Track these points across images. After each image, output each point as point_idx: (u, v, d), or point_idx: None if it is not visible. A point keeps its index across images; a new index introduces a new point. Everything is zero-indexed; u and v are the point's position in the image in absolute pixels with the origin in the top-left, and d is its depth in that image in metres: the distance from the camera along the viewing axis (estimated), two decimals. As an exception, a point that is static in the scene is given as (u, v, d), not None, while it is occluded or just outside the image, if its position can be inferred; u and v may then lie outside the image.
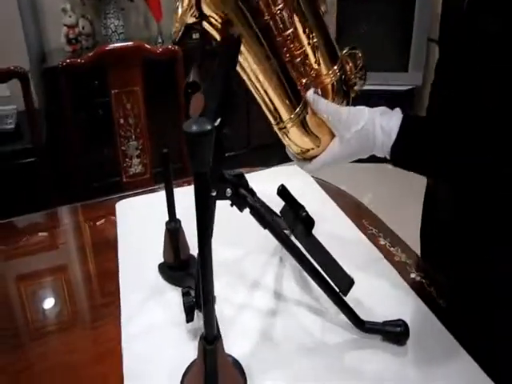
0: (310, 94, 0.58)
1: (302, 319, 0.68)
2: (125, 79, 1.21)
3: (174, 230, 0.75)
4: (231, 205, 0.60)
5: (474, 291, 0.65)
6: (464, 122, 0.56)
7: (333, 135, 0.60)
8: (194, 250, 0.78)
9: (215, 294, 0.63)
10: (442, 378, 0.59)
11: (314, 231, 0.64)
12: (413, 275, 0.75)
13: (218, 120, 0.48)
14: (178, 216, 0.75)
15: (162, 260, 0.78)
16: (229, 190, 0.57)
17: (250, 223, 0.61)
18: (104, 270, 0.83)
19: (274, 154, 0.64)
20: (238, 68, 0.55)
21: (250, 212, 0.59)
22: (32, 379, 0.63)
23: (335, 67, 0.59)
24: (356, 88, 0.62)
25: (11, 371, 0.64)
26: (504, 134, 0.52)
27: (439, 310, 0.68)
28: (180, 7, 0.50)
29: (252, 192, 0.59)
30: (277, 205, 0.71)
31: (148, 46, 1.20)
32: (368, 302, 0.69)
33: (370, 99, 2.49)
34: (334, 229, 0.86)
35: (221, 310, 0.69)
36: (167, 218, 0.75)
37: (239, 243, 0.82)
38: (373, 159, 0.61)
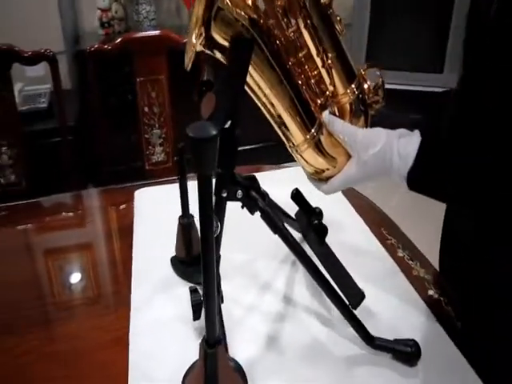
0: (325, 114, 0.57)
1: (310, 327, 0.66)
2: (150, 67, 1.20)
3: (186, 225, 0.74)
4: (242, 207, 0.58)
5: (492, 314, 0.61)
6: (489, 145, 0.52)
7: (349, 156, 0.58)
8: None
9: (224, 293, 0.64)
10: (453, 406, 0.56)
11: (329, 235, 0.62)
12: (430, 292, 0.72)
13: (229, 122, 0.46)
14: (192, 210, 0.74)
15: (174, 254, 0.78)
16: (240, 192, 0.55)
17: (264, 225, 0.59)
18: (118, 258, 0.84)
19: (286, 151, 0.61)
20: (250, 92, 0.54)
21: (261, 216, 0.57)
22: (36, 362, 0.63)
23: (352, 86, 0.58)
24: (376, 106, 0.61)
25: (16, 353, 0.64)
26: None
27: (455, 332, 0.64)
28: (192, 36, 0.49)
29: (263, 195, 0.57)
30: (293, 207, 0.68)
31: (174, 35, 1.19)
32: (380, 316, 0.66)
33: (402, 100, 2.41)
34: (349, 235, 0.83)
35: (229, 310, 0.68)
36: (182, 212, 0.74)
37: (253, 245, 0.80)
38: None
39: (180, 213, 0.74)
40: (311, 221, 0.59)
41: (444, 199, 0.59)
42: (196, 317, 0.61)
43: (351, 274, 0.63)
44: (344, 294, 0.59)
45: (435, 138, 0.56)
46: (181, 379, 0.58)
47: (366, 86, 0.59)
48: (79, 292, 0.77)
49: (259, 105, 0.56)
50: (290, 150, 0.59)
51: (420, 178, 0.54)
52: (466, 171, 0.53)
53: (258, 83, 0.53)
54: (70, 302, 0.75)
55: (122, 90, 1.83)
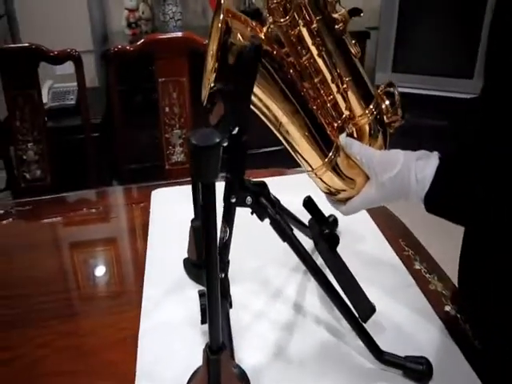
0: (342, 137, 0.57)
1: (319, 338, 0.64)
2: (172, 69, 1.21)
3: (198, 228, 0.74)
4: (251, 213, 0.57)
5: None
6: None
7: (367, 177, 0.58)
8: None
9: (234, 298, 0.63)
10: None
11: (343, 244, 0.60)
12: (447, 308, 0.69)
13: (237, 128, 0.45)
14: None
15: (187, 256, 0.78)
16: (249, 198, 0.54)
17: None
18: (134, 257, 0.85)
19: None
20: (266, 120, 0.54)
21: (270, 223, 0.56)
22: (49, 356, 0.64)
23: (370, 106, 0.57)
24: (395, 125, 0.60)
25: (33, 345, 0.65)
26: None
27: (471, 352, 0.61)
28: (208, 71, 0.49)
29: (273, 202, 0.56)
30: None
31: (196, 37, 1.19)
32: (392, 331, 0.64)
33: (430, 106, 2.34)
34: (365, 245, 0.81)
35: (238, 315, 0.67)
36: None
37: (265, 251, 0.79)
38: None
39: (193, 215, 0.74)
40: (322, 230, 0.57)
41: (462, 224, 0.58)
42: (204, 320, 0.61)
43: (364, 285, 0.61)
44: (354, 307, 0.58)
45: (454, 161, 0.55)
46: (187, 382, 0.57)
47: (383, 106, 0.59)
48: (94, 289, 0.78)
49: (275, 132, 0.56)
50: (307, 174, 0.59)
51: (437, 202, 0.53)
52: (486, 197, 0.51)
53: (274, 113, 0.53)
54: (85, 298, 0.76)
55: (145, 89, 1.85)
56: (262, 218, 0.56)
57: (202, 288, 0.62)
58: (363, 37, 2.11)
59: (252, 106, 0.53)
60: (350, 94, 0.57)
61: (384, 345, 0.59)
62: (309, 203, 0.61)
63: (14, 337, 0.67)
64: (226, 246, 0.59)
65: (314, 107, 0.56)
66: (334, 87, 0.56)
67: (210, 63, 0.48)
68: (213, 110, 0.51)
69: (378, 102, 0.59)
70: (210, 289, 0.44)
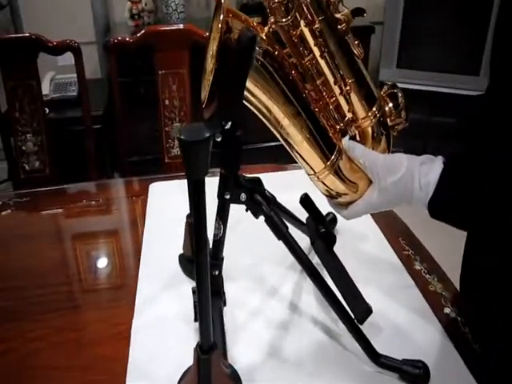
0: (345, 141, 0.56)
1: (314, 338, 0.63)
2: (172, 61, 1.20)
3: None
4: (246, 210, 0.56)
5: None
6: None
7: (370, 181, 0.57)
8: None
9: (229, 296, 0.62)
10: None
11: (342, 242, 0.59)
12: (447, 310, 0.67)
13: (229, 123, 0.44)
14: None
15: (182, 251, 0.77)
16: (243, 195, 0.53)
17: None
18: (130, 251, 0.84)
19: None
20: (267, 122, 0.53)
21: (265, 221, 0.54)
22: (43, 350, 0.63)
23: (373, 109, 0.56)
24: (399, 128, 0.59)
25: (27, 339, 0.65)
26: None
27: (471, 357, 0.59)
28: (208, 72, 0.48)
29: (269, 199, 0.54)
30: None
31: (197, 30, 1.17)
32: (389, 332, 0.62)
33: (435, 102, 2.30)
34: (363, 243, 0.79)
35: (232, 313, 0.66)
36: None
37: (261, 248, 0.78)
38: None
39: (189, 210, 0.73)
40: (319, 228, 0.56)
41: (466, 229, 0.57)
42: (197, 318, 0.60)
43: (362, 285, 0.60)
44: (350, 308, 0.56)
45: (459, 165, 0.53)
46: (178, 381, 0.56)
47: (387, 109, 0.58)
48: (91, 282, 0.78)
49: (276, 134, 0.55)
50: (309, 177, 0.58)
51: (441, 208, 0.52)
52: (493, 196, 0.50)
53: (275, 115, 0.52)
54: (82, 291, 0.76)
55: (146, 81, 1.83)
56: (256, 216, 0.55)
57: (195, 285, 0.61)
58: (368, 32, 2.08)
59: (252, 108, 0.52)
60: (352, 95, 0.56)
61: (381, 346, 0.58)
62: (306, 201, 0.60)
63: (8, 329, 0.66)
64: (219, 242, 0.58)
65: (316, 109, 0.55)
66: (336, 89, 0.55)
67: (210, 64, 0.47)
68: (209, 106, 0.49)
69: (382, 105, 0.58)
70: (200, 288, 0.43)
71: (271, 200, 0.55)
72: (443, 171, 0.52)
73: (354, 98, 0.56)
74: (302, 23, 0.52)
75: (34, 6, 2.15)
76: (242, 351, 0.61)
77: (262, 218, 0.57)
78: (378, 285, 0.70)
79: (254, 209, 0.54)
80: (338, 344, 0.62)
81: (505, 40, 0.53)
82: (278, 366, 0.60)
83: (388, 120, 0.58)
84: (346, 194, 0.58)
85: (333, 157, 0.55)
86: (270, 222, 0.54)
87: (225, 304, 0.63)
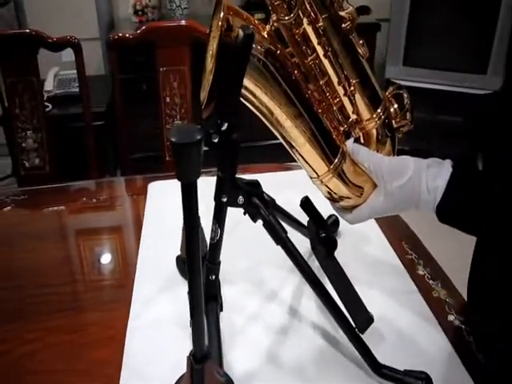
0: (349, 143, 0.54)
1: (314, 344, 0.61)
2: (173, 58, 1.18)
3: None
4: (244, 213, 0.54)
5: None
6: None
7: (375, 184, 0.55)
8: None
9: (227, 300, 0.60)
10: None
11: (343, 245, 0.57)
12: (451, 318, 0.65)
13: (226, 125, 0.42)
14: (199, 209, 0.71)
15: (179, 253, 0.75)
16: (241, 198, 0.51)
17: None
18: (128, 251, 0.83)
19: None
20: (268, 124, 0.52)
21: (263, 225, 0.53)
22: (38, 352, 0.62)
23: (378, 110, 0.54)
24: (404, 130, 0.57)
25: (24, 340, 0.64)
26: None
27: (475, 367, 0.57)
28: (208, 72, 0.47)
29: (267, 202, 0.52)
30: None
31: (198, 26, 1.15)
32: (390, 341, 0.61)
33: (441, 101, 2.27)
34: (365, 246, 0.77)
35: (230, 318, 0.64)
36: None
37: (261, 251, 0.75)
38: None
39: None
40: (319, 233, 0.54)
41: (477, 234, 0.55)
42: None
43: (363, 289, 0.59)
44: (351, 316, 0.54)
45: (468, 169, 0.51)
46: (172, 385, 0.55)
47: (392, 110, 0.57)
48: (87, 283, 0.76)
49: (278, 136, 0.53)
50: (311, 180, 0.57)
51: (450, 213, 0.50)
52: (501, 204, 0.48)
53: (277, 116, 0.51)
54: (76, 294, 0.74)
55: (148, 78, 1.82)
56: (254, 220, 0.53)
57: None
58: (373, 29, 2.05)
59: (253, 108, 0.50)
60: (357, 96, 0.54)
61: (382, 354, 0.56)
62: (306, 204, 0.58)
63: (3, 331, 0.65)
64: (216, 246, 0.56)
65: (319, 110, 0.53)
66: (340, 89, 0.53)
67: (210, 64, 0.45)
68: (208, 106, 0.47)
69: (387, 106, 0.56)
70: (192, 296, 0.41)
71: (270, 203, 0.53)
72: (452, 175, 0.50)
73: (358, 98, 0.54)
74: (305, 21, 0.50)
75: (38, 2, 2.14)
76: (238, 357, 0.59)
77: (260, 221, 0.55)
78: (380, 289, 0.68)
79: (252, 212, 0.52)
80: (339, 351, 0.60)
81: None
82: (276, 373, 0.58)
83: (393, 122, 0.57)
84: (349, 198, 0.56)
85: (336, 160, 0.54)
86: (268, 226, 0.52)
87: (221, 309, 0.61)
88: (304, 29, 0.50)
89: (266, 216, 0.51)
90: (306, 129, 0.52)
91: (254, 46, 0.46)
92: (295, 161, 0.56)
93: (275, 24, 0.50)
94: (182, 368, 0.54)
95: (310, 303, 0.68)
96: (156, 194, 0.95)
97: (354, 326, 0.55)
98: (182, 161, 0.32)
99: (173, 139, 0.31)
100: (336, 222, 0.77)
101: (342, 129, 0.55)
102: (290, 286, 0.71)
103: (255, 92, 0.48)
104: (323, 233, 0.54)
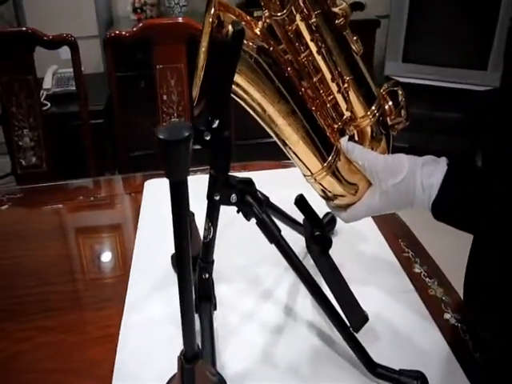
0: (343, 141, 0.54)
1: (309, 343, 0.61)
2: (170, 55, 1.17)
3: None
4: (238, 211, 0.53)
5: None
6: None
7: (369, 182, 0.55)
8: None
9: (222, 298, 0.59)
10: None
11: (338, 242, 0.57)
12: (447, 316, 0.64)
13: (217, 122, 0.41)
14: (193, 208, 0.70)
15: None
16: (234, 196, 0.50)
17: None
18: (123, 250, 0.82)
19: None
20: (261, 122, 0.51)
21: (256, 223, 0.52)
22: (29, 352, 0.62)
23: (373, 107, 0.54)
24: (398, 127, 0.57)
25: (14, 339, 0.63)
26: None
27: (471, 366, 0.57)
28: (200, 69, 0.46)
29: (260, 201, 0.52)
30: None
31: (195, 23, 1.14)
32: (386, 340, 0.60)
33: (441, 98, 2.25)
34: (361, 244, 0.77)
35: (224, 317, 0.64)
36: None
37: (256, 249, 0.75)
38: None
39: (185, 207, 0.71)
40: (313, 232, 0.54)
41: (473, 231, 0.54)
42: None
43: (359, 288, 0.58)
44: (345, 315, 0.54)
45: (463, 166, 0.51)
46: (165, 384, 0.55)
47: (387, 107, 0.56)
48: (80, 283, 0.76)
49: (271, 133, 0.53)
50: (305, 178, 0.56)
51: (446, 210, 0.50)
52: (501, 201, 0.47)
53: (270, 114, 0.50)
54: (71, 292, 0.74)
55: (146, 75, 1.82)
56: (248, 218, 0.53)
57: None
58: (373, 25, 2.04)
59: (246, 106, 0.50)
60: (351, 93, 0.53)
61: (377, 353, 0.56)
62: (301, 202, 0.57)
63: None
64: (209, 245, 0.56)
65: (313, 108, 0.53)
66: (334, 86, 0.53)
67: (202, 60, 0.45)
68: (200, 103, 0.47)
69: (381, 103, 0.55)
70: (182, 296, 0.41)
71: (263, 201, 0.52)
72: (447, 172, 0.50)
73: (352, 95, 0.53)
74: (298, 17, 0.50)
75: (37, 0, 2.13)
76: (232, 357, 0.59)
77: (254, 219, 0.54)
78: (376, 288, 0.68)
79: (245, 210, 0.52)
80: (334, 350, 0.60)
81: None
82: (270, 372, 0.57)
83: (388, 119, 0.56)
84: (344, 196, 0.56)
85: (330, 157, 0.53)
86: (261, 224, 0.52)
87: (215, 308, 0.61)
88: (297, 25, 0.50)
89: (259, 214, 0.50)
90: (299, 126, 0.51)
91: (246, 42, 0.46)
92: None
93: (268, 20, 0.49)
94: (175, 368, 0.54)
95: (305, 302, 0.67)
96: (152, 191, 0.95)
97: (348, 324, 0.54)
98: (170, 158, 0.31)
99: (160, 136, 0.31)
100: (332, 220, 0.76)
101: (336, 126, 0.54)
102: (285, 284, 0.70)
103: (248, 89, 0.48)
104: (317, 231, 0.54)
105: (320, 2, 0.50)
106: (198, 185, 0.61)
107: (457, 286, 0.70)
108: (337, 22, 0.51)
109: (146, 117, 1.81)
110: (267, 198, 0.57)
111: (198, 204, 0.69)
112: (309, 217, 0.57)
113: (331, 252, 0.59)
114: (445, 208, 0.50)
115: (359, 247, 0.77)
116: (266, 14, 0.49)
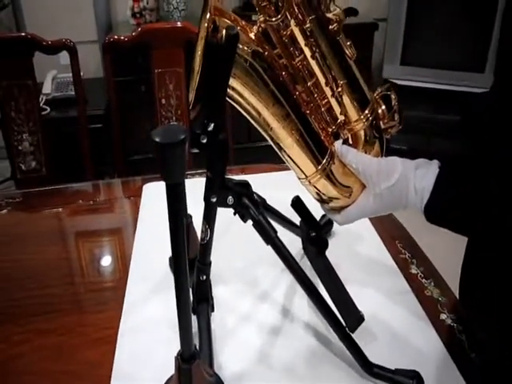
0: (337, 145, 0.54)
1: (306, 344, 0.61)
2: (168, 59, 1.18)
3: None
4: (234, 213, 0.54)
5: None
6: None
7: (363, 185, 0.55)
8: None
9: (219, 299, 0.60)
10: None
11: (335, 244, 0.57)
12: (443, 316, 0.65)
13: (212, 125, 0.42)
14: (190, 211, 0.71)
15: (172, 254, 0.76)
16: (230, 198, 0.51)
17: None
18: (121, 253, 0.83)
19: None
20: (256, 125, 0.52)
21: (253, 225, 0.53)
22: (27, 354, 0.62)
23: (366, 111, 0.55)
24: (392, 131, 0.57)
25: (12, 342, 0.64)
26: None
27: (467, 366, 0.57)
28: (196, 74, 0.47)
29: (257, 203, 0.52)
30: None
31: (193, 28, 1.15)
32: (382, 340, 0.61)
33: (439, 100, 2.26)
34: (358, 245, 0.77)
35: (222, 318, 0.64)
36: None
37: (253, 250, 0.75)
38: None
39: (184, 210, 0.71)
40: (309, 233, 0.54)
41: (465, 233, 0.55)
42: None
43: (356, 289, 0.58)
44: (341, 315, 0.54)
45: (455, 169, 0.52)
46: (163, 386, 0.55)
47: (380, 111, 0.57)
48: (79, 286, 0.76)
49: (266, 137, 0.53)
50: (300, 181, 0.57)
51: (438, 212, 0.51)
52: (497, 202, 0.48)
53: (265, 117, 0.51)
54: (70, 295, 0.74)
55: (146, 80, 1.83)
56: (244, 220, 0.53)
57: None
58: (371, 28, 2.05)
59: (241, 109, 0.50)
60: (344, 97, 0.54)
61: (374, 354, 0.56)
62: (297, 204, 0.58)
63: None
64: (207, 247, 0.56)
65: (307, 112, 0.53)
66: (328, 91, 0.54)
67: (197, 64, 0.46)
68: (196, 107, 0.48)
69: (374, 107, 0.56)
70: (179, 297, 0.41)
71: (260, 203, 0.53)
72: (439, 175, 0.50)
73: (346, 99, 0.54)
74: (293, 23, 0.50)
75: (36, 5, 2.15)
76: (230, 357, 0.59)
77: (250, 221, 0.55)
78: (373, 289, 0.68)
79: (242, 212, 0.52)
80: (331, 351, 0.60)
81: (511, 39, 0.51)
82: (267, 372, 0.58)
83: (381, 123, 0.57)
84: (338, 199, 0.56)
85: (324, 161, 0.54)
86: (257, 226, 0.52)
87: (213, 309, 0.61)
88: (291, 30, 0.50)
89: (256, 216, 0.51)
90: (294, 130, 0.52)
91: (241, 46, 0.47)
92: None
93: (262, 25, 0.50)
94: (173, 369, 0.54)
95: (302, 302, 0.68)
96: (151, 195, 0.95)
97: (344, 325, 0.55)
98: (166, 161, 0.32)
99: (156, 139, 0.32)
100: (330, 222, 0.77)
101: (330, 130, 0.55)
102: (283, 285, 0.71)
103: (243, 93, 0.49)
104: (313, 232, 0.54)
105: (314, 7, 0.51)
106: (195, 188, 0.62)
107: (453, 286, 0.70)
108: (331, 27, 0.52)
109: (145, 121, 1.82)
110: (264, 200, 0.58)
111: (195, 207, 0.70)
112: (305, 218, 0.57)
113: (328, 253, 0.60)
114: (437, 211, 0.50)
115: (356, 248, 0.77)
116: (261, 19, 0.50)
